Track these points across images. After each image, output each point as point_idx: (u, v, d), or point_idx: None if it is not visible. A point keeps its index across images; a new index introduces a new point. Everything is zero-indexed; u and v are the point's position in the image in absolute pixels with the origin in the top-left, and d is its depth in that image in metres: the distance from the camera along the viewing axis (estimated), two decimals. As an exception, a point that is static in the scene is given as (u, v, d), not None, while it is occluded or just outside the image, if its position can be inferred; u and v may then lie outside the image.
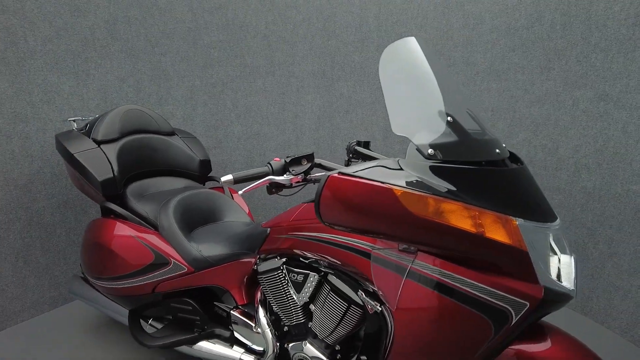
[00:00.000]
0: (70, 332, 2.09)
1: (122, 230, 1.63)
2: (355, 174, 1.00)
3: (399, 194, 0.93)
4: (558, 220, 1.01)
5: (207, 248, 1.53)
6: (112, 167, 1.67)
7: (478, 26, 2.46)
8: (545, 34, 2.22)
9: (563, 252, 1.01)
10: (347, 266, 1.17)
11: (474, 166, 0.95)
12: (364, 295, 1.14)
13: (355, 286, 1.18)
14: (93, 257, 1.70)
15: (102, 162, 1.66)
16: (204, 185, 2.11)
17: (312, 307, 1.33)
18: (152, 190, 1.87)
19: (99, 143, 1.74)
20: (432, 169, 0.94)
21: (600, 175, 2.09)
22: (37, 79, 2.10)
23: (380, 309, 1.11)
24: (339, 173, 1.02)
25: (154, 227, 1.65)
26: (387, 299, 1.05)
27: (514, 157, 1.15)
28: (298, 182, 1.22)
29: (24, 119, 2.08)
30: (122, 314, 1.80)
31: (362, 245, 1.12)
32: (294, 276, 1.33)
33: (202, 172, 2.04)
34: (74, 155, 1.64)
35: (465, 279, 0.94)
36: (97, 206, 2.42)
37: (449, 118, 1.01)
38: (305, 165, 1.23)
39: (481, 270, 0.94)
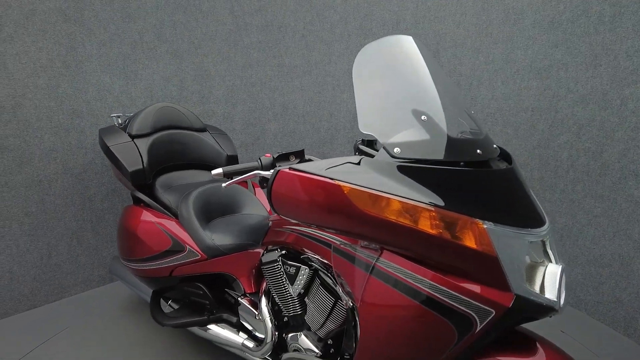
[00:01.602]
0: (110, 308, 2.33)
1: (146, 216, 1.79)
2: (305, 169, 1.02)
3: (347, 190, 0.94)
4: (546, 226, 0.95)
5: (220, 237, 1.63)
6: (142, 159, 1.84)
7: (519, 21, 2.32)
8: (592, 28, 2.04)
9: (550, 260, 0.95)
10: (326, 261, 1.20)
11: (448, 167, 0.92)
12: (340, 290, 1.17)
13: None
14: (124, 240, 1.88)
15: (134, 155, 1.84)
16: (230, 179, 2.23)
17: (307, 300, 1.37)
18: (180, 182, 2.03)
19: (132, 137, 1.93)
20: (400, 168, 0.93)
21: (649, 184, 1.88)
22: (92, 79, 2.36)
23: (351, 304, 1.12)
24: (289, 168, 1.05)
25: (175, 215, 1.79)
26: (353, 295, 1.07)
27: (507, 157, 1.10)
28: None
29: (80, 114, 2.35)
30: (149, 294, 1.98)
31: (327, 238, 1.15)
32: (287, 268, 1.39)
33: None
34: (110, 147, 1.84)
35: (428, 280, 0.92)
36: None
37: (423, 117, 0.99)
38: (293, 162, 1.27)
39: (447, 274, 0.91)
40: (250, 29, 2.78)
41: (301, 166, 1.05)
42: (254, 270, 1.60)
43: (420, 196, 0.90)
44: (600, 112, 2.04)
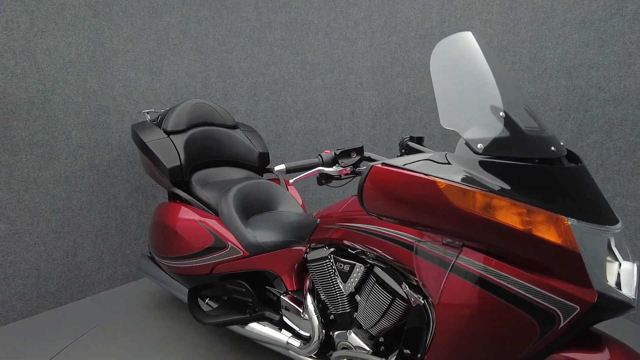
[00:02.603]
0: (138, 306, 2.31)
1: (186, 214, 1.77)
2: (398, 165, 1.01)
3: (443, 186, 0.94)
4: (620, 224, 0.96)
5: (262, 234, 1.62)
6: (179, 156, 1.83)
7: (548, 20, 2.32)
8: (626, 26, 2.04)
9: (625, 258, 0.95)
10: (392, 258, 1.19)
11: (527, 163, 0.93)
12: (407, 288, 1.16)
13: (400, 279, 1.20)
14: (159, 237, 1.87)
15: (171, 151, 1.82)
16: (261, 176, 2.22)
17: (357, 297, 1.37)
18: (215, 178, 2.02)
19: (168, 133, 1.91)
20: (482, 164, 0.94)
21: (684, 183, 1.89)
22: (118, 75, 2.34)
23: (422, 302, 1.11)
24: (382, 164, 1.04)
25: (215, 212, 1.78)
26: (430, 293, 1.06)
27: (572, 156, 1.10)
28: (347, 174, 1.26)
29: (106, 111, 2.33)
30: (182, 291, 1.96)
31: (407, 238, 1.14)
32: (340, 266, 1.38)
33: (261, 164, 2.15)
34: (147, 143, 1.82)
35: (512, 277, 0.92)
36: (165, 192, 2.63)
37: (501, 113, 0.99)
38: (355, 158, 1.26)
39: (529, 269, 0.91)
40: (274, 25, 2.77)
41: (393, 162, 1.04)
42: (296, 268, 1.59)
43: (510, 193, 0.90)
44: (634, 111, 2.05)
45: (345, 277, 1.37)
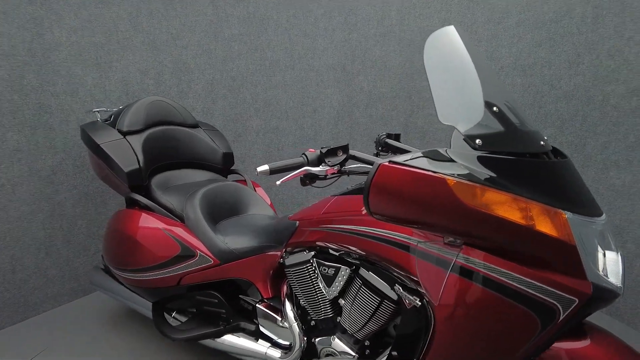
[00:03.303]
0: (91, 323, 2.10)
1: (149, 221, 1.63)
2: (407, 163, 0.97)
3: (452, 184, 0.91)
4: (604, 215, 0.98)
5: (233, 240, 1.52)
6: (137, 158, 1.68)
7: (503, 20, 2.41)
8: (575, 28, 2.17)
9: (609, 248, 0.97)
10: (383, 260, 1.15)
11: (521, 157, 0.93)
12: (401, 290, 1.12)
13: (391, 280, 1.16)
14: (117, 248, 1.70)
15: (128, 153, 1.67)
16: (226, 177, 2.11)
17: (341, 301, 1.31)
18: (176, 182, 1.87)
19: (124, 134, 1.75)
20: (481, 159, 0.92)
21: (631, 173, 2.03)
22: (61, 70, 2.11)
23: (419, 303, 1.08)
24: (390, 162, 0.99)
25: (180, 218, 1.65)
26: (430, 294, 1.03)
27: (555, 151, 1.12)
28: (333, 173, 1.20)
29: (48, 110, 2.09)
30: (144, 305, 1.80)
31: (403, 239, 1.10)
32: (324, 269, 1.32)
33: (225, 165, 2.04)
34: (100, 145, 1.65)
35: (512, 272, 0.91)
36: (118, 198, 2.42)
37: (494, 108, 0.99)
38: (341, 157, 1.20)
39: (527, 264, 0.91)
40: (231, 20, 2.64)
41: (400, 159, 0.99)
42: (271, 274, 1.52)
43: (511, 188, 0.90)
44: (583, 107, 2.18)
45: (329, 281, 1.31)
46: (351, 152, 1.27)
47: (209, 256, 1.53)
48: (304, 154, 1.17)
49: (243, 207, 1.80)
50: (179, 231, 1.60)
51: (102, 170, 1.79)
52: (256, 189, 2.02)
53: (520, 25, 2.36)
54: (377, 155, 1.49)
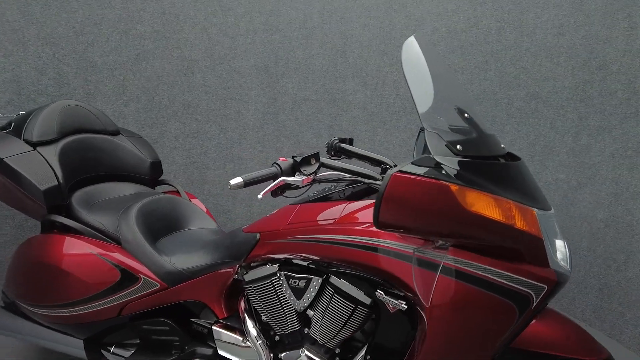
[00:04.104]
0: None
1: (78, 246, 1.42)
2: (417, 172, 0.99)
3: (455, 190, 0.96)
4: (552, 209, 1.11)
5: (181, 260, 1.40)
6: (55, 173, 1.44)
7: (420, 27, 2.56)
8: (482, 38, 2.38)
9: (557, 237, 1.10)
10: (363, 267, 1.15)
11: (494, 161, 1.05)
12: (383, 295, 1.13)
13: (368, 286, 1.17)
14: (34, 281, 1.46)
15: (42, 168, 1.43)
16: (154, 189, 1.92)
17: (309, 312, 1.29)
18: (100, 198, 1.66)
19: (34, 145, 1.49)
20: (461, 164, 0.99)
21: (533, 166, 2.30)
22: None
23: (405, 307, 1.09)
24: (400, 172, 1.00)
25: (115, 240, 1.46)
26: (421, 296, 1.05)
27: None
28: (308, 182, 1.17)
29: None
30: (72, 344, 1.55)
31: (392, 246, 1.10)
32: (294, 282, 1.28)
33: (153, 175, 1.86)
34: (4, 160, 1.38)
35: (492, 268, 0.99)
36: (12, 222, 2.08)
37: (465, 114, 1.04)
38: (314, 165, 1.17)
39: (502, 259, 1.00)
40: (143, 15, 2.43)
41: (409, 168, 1.01)
42: (224, 292, 1.43)
43: (492, 190, 0.98)
44: (492, 109, 2.41)
45: (299, 293, 1.27)
46: (321, 159, 1.24)
47: (155, 280, 1.39)
48: (276, 163, 1.12)
49: (182, 221, 1.66)
50: (117, 255, 1.42)
51: (8, 191, 1.50)
52: (191, 200, 1.87)
53: (435, 33, 2.53)
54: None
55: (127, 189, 1.76)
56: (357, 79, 2.76)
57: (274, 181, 1.11)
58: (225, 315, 1.44)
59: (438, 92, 1.08)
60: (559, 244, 1.06)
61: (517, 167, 1.06)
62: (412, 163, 1.02)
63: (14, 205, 1.58)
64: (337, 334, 1.23)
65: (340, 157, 1.50)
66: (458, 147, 1.01)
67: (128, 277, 1.39)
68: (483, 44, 2.38)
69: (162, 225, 1.57)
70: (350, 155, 1.46)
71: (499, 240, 0.99)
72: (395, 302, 1.11)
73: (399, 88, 2.68)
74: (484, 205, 0.97)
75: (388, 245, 1.09)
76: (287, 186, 1.15)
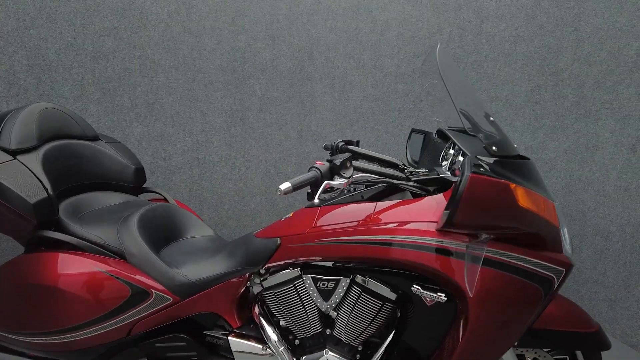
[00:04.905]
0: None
1: (79, 264, 1.28)
2: (489, 173, 1.06)
3: (513, 188, 1.05)
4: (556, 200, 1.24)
5: (192, 271, 1.33)
6: (42, 184, 1.28)
7: (385, 32, 2.66)
8: (444, 44, 2.54)
9: (562, 226, 1.23)
10: (400, 264, 1.19)
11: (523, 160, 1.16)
12: (420, 290, 1.17)
13: (404, 282, 1.23)
14: (23, 306, 1.29)
15: (27, 178, 1.27)
16: (137, 196, 1.79)
17: (333, 313, 1.31)
18: (86, 209, 1.51)
19: (13, 153, 1.32)
20: (500, 164, 1.09)
21: (493, 165, 2.51)
22: None
23: (444, 299, 1.14)
24: (475, 173, 1.04)
25: (118, 255, 1.34)
26: (466, 288, 1.12)
27: None
28: (346, 185, 1.18)
29: None
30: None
31: (435, 242, 1.14)
32: (323, 284, 1.28)
33: (137, 183, 1.73)
34: None
35: (524, 256, 1.10)
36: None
37: (491, 118, 1.12)
38: (350, 168, 1.18)
39: (528, 247, 1.11)
40: (102, 10, 2.26)
41: (482, 169, 1.06)
42: (237, 301, 1.39)
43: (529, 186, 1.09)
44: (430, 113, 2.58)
45: (327, 294, 1.28)
46: (354, 162, 1.25)
47: (167, 294, 1.30)
48: (314, 167, 1.11)
49: (180, 230, 1.57)
50: (123, 270, 1.31)
51: None
52: (180, 207, 1.78)
53: (400, 38, 2.64)
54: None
55: (112, 198, 1.62)
56: (325, 80, 2.80)
57: (314, 185, 1.10)
58: (239, 325, 1.40)
59: (468, 96, 1.16)
60: (564, 232, 1.20)
61: (533, 164, 1.18)
62: (468, 164, 1.07)
63: None
64: (363, 331, 1.27)
65: None
66: (494, 148, 1.10)
67: (138, 293, 1.29)
68: (446, 49, 2.54)
69: (161, 236, 1.48)
70: (357, 157, 1.49)
71: (535, 231, 1.09)
72: (434, 295, 1.16)
73: (366, 90, 2.77)
74: (529, 200, 1.07)
75: (429, 242, 1.14)
76: (324, 190, 1.15)
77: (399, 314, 1.30)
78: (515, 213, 1.06)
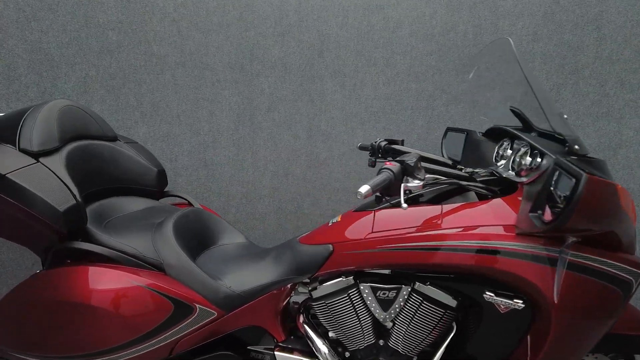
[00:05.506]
0: None
1: (116, 278, 1.16)
2: (600, 174, 0.98)
3: (619, 189, 1.00)
4: None
5: (236, 281, 1.24)
6: (69, 189, 1.15)
7: (397, 30, 2.61)
8: (459, 42, 2.51)
9: None
10: (465, 270, 1.12)
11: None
12: (494, 297, 1.11)
13: (472, 288, 1.16)
14: (52, 326, 1.16)
15: (55, 183, 1.13)
16: (158, 201, 1.67)
17: (388, 323, 1.23)
18: (109, 216, 1.38)
19: (35, 155, 1.19)
20: (589, 163, 1.03)
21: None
22: None
23: (522, 305, 1.09)
24: (591, 174, 0.96)
25: (155, 266, 1.23)
26: (549, 293, 1.07)
27: None
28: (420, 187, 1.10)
29: None
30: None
31: (511, 247, 1.08)
32: (384, 294, 1.20)
33: (160, 187, 1.61)
34: (7, 177, 1.07)
35: (605, 259, 1.06)
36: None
37: (565, 116, 1.07)
38: (422, 170, 1.10)
39: (604, 249, 1.07)
40: (106, 3, 2.13)
41: (596, 171, 0.99)
42: (281, 312, 1.30)
43: None
44: (470, 109, 2.55)
45: (387, 304, 1.20)
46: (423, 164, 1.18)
47: (211, 308, 1.20)
48: (386, 168, 1.02)
49: (213, 236, 1.47)
50: (164, 283, 1.20)
51: (9, 220, 1.17)
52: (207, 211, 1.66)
53: (412, 36, 2.60)
54: (374, 163, 1.44)
55: (134, 203, 1.50)
56: (336, 79, 2.72)
57: (386, 187, 1.03)
58: (284, 338, 1.31)
59: (544, 93, 1.11)
60: None
61: (606, 162, 1.15)
62: (574, 165, 1.01)
63: (11, 236, 1.22)
64: (422, 340, 1.21)
65: (386, 158, 1.46)
66: (576, 147, 1.05)
67: (182, 308, 1.18)
68: (460, 47, 2.51)
69: (197, 243, 1.38)
70: (398, 152, 1.43)
71: (625, 233, 1.05)
72: (510, 302, 1.11)
73: (377, 89, 2.71)
74: (626, 201, 1.03)
75: (510, 246, 1.08)
76: (392, 192, 1.08)
77: (455, 322, 1.24)
78: (617, 214, 1.02)
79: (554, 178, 1.00)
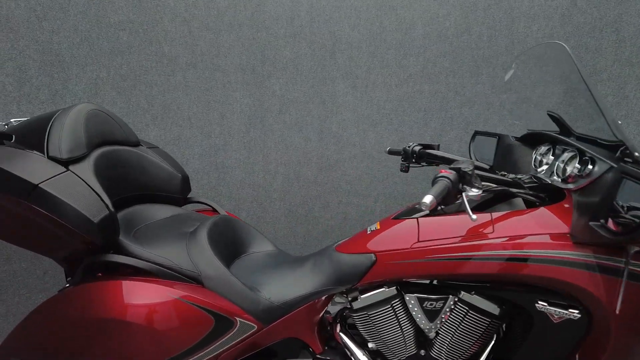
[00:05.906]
0: None
1: (153, 291, 1.11)
2: None
3: None
4: None
5: (274, 293, 1.19)
6: (102, 199, 1.10)
7: (410, 31, 2.58)
8: (473, 43, 2.49)
9: None
10: (517, 279, 1.09)
11: None
12: (547, 306, 1.08)
13: (523, 297, 1.12)
14: (85, 344, 1.10)
15: (86, 193, 1.07)
16: (181, 208, 1.62)
17: (432, 333, 1.20)
18: (136, 225, 1.33)
19: (64, 163, 1.13)
20: None
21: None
22: None
23: (578, 315, 1.06)
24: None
25: (193, 279, 1.18)
26: (609, 304, 1.03)
27: None
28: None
29: None
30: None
31: (562, 255, 1.05)
32: (431, 304, 1.16)
33: (183, 193, 1.56)
34: (40, 186, 1.01)
35: None
36: None
37: (619, 122, 1.04)
38: (478, 177, 1.07)
39: None
40: (117, 2, 2.06)
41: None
42: (318, 324, 1.26)
43: None
44: (484, 111, 2.53)
45: (434, 315, 1.17)
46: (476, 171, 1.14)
47: (251, 321, 1.16)
48: (442, 176, 0.98)
49: (243, 245, 1.42)
50: (204, 297, 1.15)
51: (38, 229, 1.10)
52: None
53: (426, 37, 2.57)
54: (407, 167, 1.41)
55: (160, 211, 1.45)
56: (347, 80, 2.69)
57: (445, 196, 0.99)
58: (322, 350, 1.27)
59: (602, 99, 1.08)
60: None
61: None
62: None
63: (34, 246, 1.16)
64: (466, 350, 1.18)
65: (420, 163, 1.43)
66: (637, 153, 1.02)
67: (223, 322, 1.13)
68: (474, 49, 2.50)
69: (228, 253, 1.33)
70: (437, 162, 1.39)
71: None
72: (565, 312, 1.08)
73: (389, 90, 2.68)
74: None
75: (569, 256, 1.04)
76: (449, 200, 1.04)
77: (502, 330, 1.22)
78: None
79: (620, 186, 0.97)
